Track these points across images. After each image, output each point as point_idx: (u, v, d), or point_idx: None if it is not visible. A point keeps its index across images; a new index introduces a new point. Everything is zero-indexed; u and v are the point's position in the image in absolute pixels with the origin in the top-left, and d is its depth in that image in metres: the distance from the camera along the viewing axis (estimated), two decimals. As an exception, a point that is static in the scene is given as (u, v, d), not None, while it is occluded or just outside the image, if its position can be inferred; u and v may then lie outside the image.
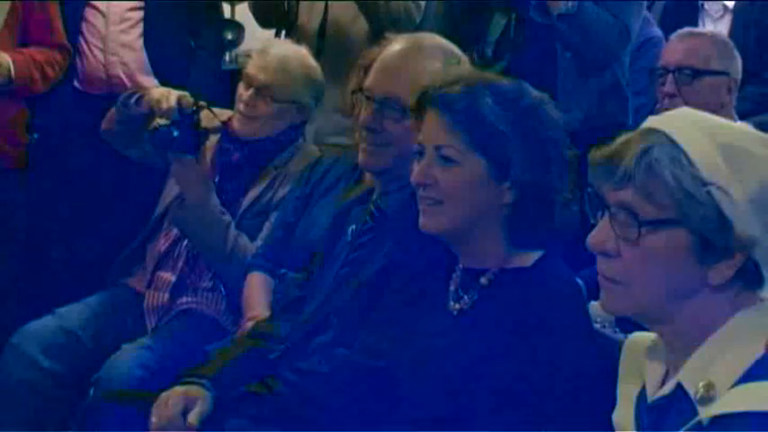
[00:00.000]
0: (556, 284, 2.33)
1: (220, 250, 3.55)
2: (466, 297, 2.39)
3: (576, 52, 3.94)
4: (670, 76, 3.68)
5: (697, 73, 3.66)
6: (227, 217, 3.59)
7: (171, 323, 3.55)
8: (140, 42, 4.57)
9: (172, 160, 3.61)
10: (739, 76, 3.77)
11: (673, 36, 3.91)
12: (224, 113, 3.81)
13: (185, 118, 3.55)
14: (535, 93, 2.40)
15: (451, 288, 2.43)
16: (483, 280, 2.37)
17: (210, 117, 3.70)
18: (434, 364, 2.36)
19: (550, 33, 3.90)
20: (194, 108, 3.58)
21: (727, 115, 3.51)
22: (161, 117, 3.58)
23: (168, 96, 3.57)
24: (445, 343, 2.38)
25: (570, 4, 3.85)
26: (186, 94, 3.61)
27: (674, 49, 3.76)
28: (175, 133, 3.53)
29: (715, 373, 1.74)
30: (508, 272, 2.36)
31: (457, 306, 2.40)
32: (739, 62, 3.77)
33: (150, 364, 3.30)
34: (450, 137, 2.34)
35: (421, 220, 2.39)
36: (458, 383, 2.29)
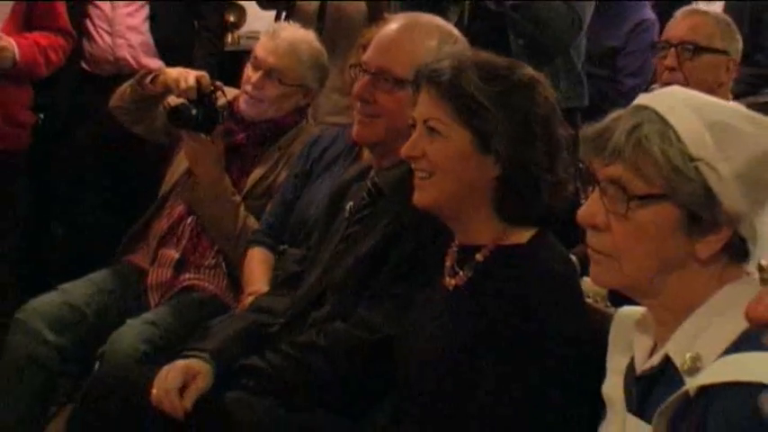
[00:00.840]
0: (549, 261, 2.32)
1: (230, 230, 3.57)
2: (461, 273, 2.39)
3: (529, 40, 3.94)
4: (672, 50, 3.68)
5: (698, 49, 3.66)
6: (237, 197, 3.60)
7: (174, 299, 3.55)
8: (146, 26, 4.59)
9: (186, 139, 3.61)
10: (738, 58, 3.77)
11: (677, 12, 3.91)
12: (229, 93, 3.81)
13: (204, 98, 3.56)
14: (529, 72, 2.40)
15: (447, 264, 2.44)
16: (478, 256, 2.37)
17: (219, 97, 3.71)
18: (430, 339, 2.37)
19: (503, 21, 3.90)
20: (212, 88, 3.59)
21: (724, 95, 3.50)
22: (180, 96, 3.58)
23: (187, 76, 3.58)
24: (441, 317, 2.38)
25: None
26: (204, 74, 3.62)
27: (678, 24, 3.77)
28: (194, 112, 3.54)
29: (702, 345, 1.76)
30: (503, 248, 2.36)
31: (453, 282, 2.40)
32: (740, 44, 3.77)
33: (154, 339, 3.31)
34: (436, 110, 2.35)
35: (414, 195, 2.40)
36: (453, 358, 2.29)
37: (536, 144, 2.32)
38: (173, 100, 3.63)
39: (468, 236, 2.40)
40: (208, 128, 3.56)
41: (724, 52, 3.70)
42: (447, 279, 2.42)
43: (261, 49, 3.72)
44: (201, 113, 3.54)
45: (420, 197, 2.39)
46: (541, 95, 2.36)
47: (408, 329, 2.47)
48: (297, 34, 3.77)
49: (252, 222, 3.58)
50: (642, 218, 1.79)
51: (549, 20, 3.93)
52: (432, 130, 2.35)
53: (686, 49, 3.67)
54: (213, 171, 3.59)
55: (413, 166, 2.39)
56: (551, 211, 2.37)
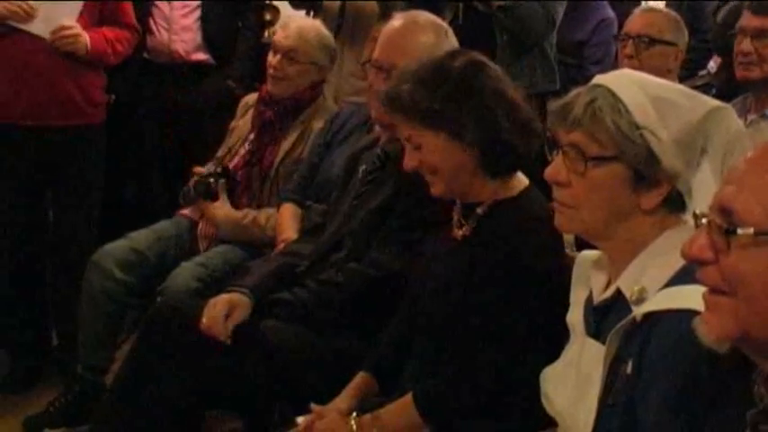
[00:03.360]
0: (534, 209, 2.32)
1: (256, 236, 3.53)
2: (466, 225, 2.38)
3: (511, 36, 3.93)
4: (631, 42, 3.65)
5: (652, 41, 3.62)
6: (250, 216, 3.56)
7: (219, 245, 3.56)
8: (197, 25, 4.57)
9: (204, 210, 3.65)
10: (685, 48, 3.74)
11: (636, 10, 3.89)
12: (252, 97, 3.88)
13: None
14: (466, 59, 2.35)
15: (455, 218, 2.43)
16: (479, 210, 2.37)
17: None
18: (442, 277, 2.38)
19: (489, 19, 3.88)
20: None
21: (672, 79, 3.46)
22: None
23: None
24: (450, 261, 2.39)
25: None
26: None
27: (637, 20, 3.73)
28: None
29: (646, 280, 1.76)
30: (498, 202, 2.36)
31: (460, 232, 2.39)
32: (686, 36, 3.74)
33: (203, 278, 3.31)
34: (408, 128, 2.36)
35: (431, 189, 2.39)
36: (458, 290, 2.31)
37: (497, 114, 2.30)
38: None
39: (469, 199, 2.40)
40: (215, 196, 3.63)
41: (673, 44, 3.67)
42: (455, 230, 2.41)
43: (277, 37, 3.77)
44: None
45: (434, 191, 2.39)
46: (485, 73, 2.33)
47: (422, 269, 2.48)
48: (304, 22, 3.82)
49: (268, 220, 3.55)
50: (597, 175, 1.79)
51: (529, 20, 3.91)
52: (416, 145, 2.36)
53: (642, 41, 3.63)
54: (226, 225, 3.57)
55: (421, 172, 2.39)
56: (528, 152, 2.35)
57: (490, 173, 2.34)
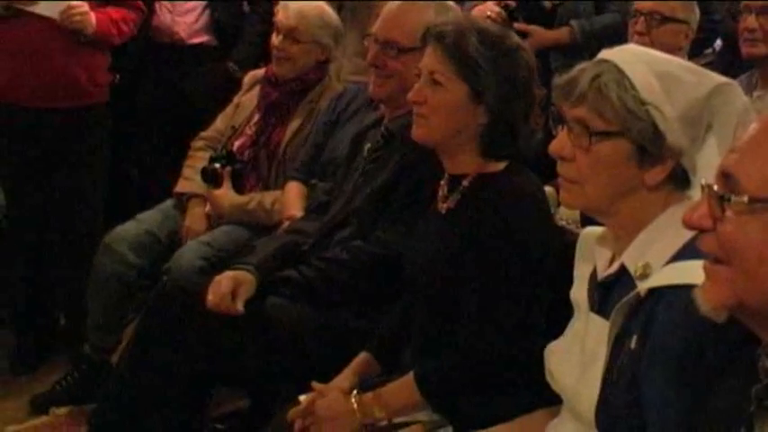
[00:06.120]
0: (521, 183, 2.33)
1: (262, 219, 3.53)
2: (451, 198, 2.39)
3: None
4: (642, 18, 3.63)
5: (664, 19, 3.60)
6: (254, 202, 3.56)
7: (226, 224, 3.56)
8: (200, 8, 4.59)
9: (209, 197, 3.64)
10: (695, 27, 3.72)
11: None
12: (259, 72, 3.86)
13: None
14: (517, 40, 2.40)
15: (440, 192, 2.44)
16: (464, 182, 2.38)
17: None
18: (429, 252, 2.38)
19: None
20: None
21: (681, 57, 3.44)
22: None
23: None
24: (436, 235, 2.40)
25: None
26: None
27: None
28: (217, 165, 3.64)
29: (651, 256, 1.76)
30: (484, 175, 2.37)
31: (444, 206, 2.40)
32: (698, 15, 3.71)
33: (209, 256, 3.32)
34: (440, 65, 2.35)
35: (412, 129, 2.42)
36: (445, 265, 2.31)
37: (518, 101, 2.33)
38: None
39: (455, 166, 2.40)
40: (218, 183, 3.61)
41: (684, 22, 3.64)
42: (440, 204, 2.42)
43: (279, 17, 3.76)
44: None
45: (417, 132, 2.41)
46: (524, 60, 2.36)
47: (412, 245, 2.49)
48: (306, 2, 3.78)
49: (274, 203, 3.54)
50: (601, 150, 1.78)
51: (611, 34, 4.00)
52: (434, 81, 2.36)
53: (654, 18, 3.60)
54: (230, 210, 3.56)
55: (414, 108, 2.40)
56: (520, 151, 2.38)
57: (482, 148, 2.36)
